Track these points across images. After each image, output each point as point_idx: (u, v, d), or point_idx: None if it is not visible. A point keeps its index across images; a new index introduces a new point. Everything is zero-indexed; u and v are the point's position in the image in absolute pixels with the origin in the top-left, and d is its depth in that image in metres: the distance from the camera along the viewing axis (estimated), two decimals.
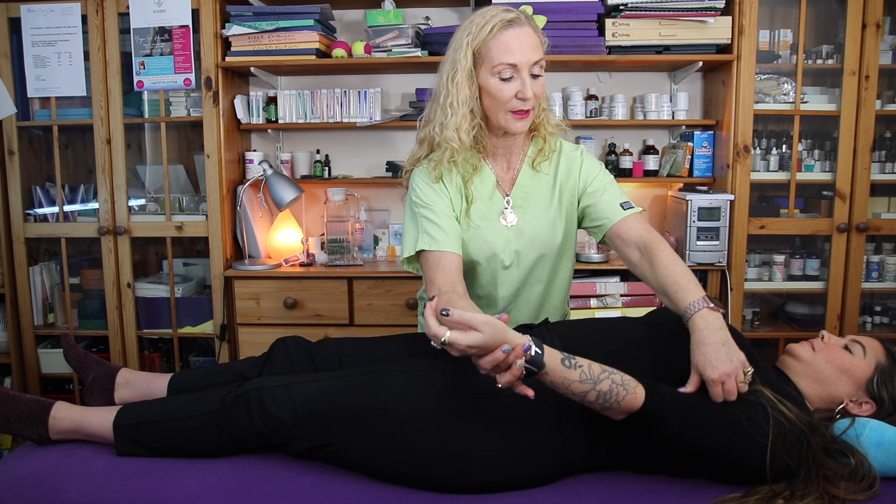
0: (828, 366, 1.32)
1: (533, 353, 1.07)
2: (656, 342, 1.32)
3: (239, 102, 2.66)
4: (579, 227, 1.57)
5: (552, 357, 1.10)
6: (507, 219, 1.49)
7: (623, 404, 1.12)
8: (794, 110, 2.45)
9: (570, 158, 1.52)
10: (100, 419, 1.33)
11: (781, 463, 1.12)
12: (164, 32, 2.53)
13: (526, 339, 1.07)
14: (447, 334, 1.02)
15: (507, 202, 1.49)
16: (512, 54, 1.33)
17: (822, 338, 1.37)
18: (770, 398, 1.16)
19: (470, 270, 1.52)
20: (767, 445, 1.11)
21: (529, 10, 1.62)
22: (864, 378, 1.31)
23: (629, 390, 1.12)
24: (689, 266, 2.39)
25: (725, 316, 1.28)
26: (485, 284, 1.54)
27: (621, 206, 1.48)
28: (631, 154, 2.68)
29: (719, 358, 1.17)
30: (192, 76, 2.54)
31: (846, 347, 1.34)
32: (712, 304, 1.26)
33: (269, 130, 2.78)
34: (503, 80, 1.35)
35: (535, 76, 1.36)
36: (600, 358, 1.31)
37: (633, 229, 1.46)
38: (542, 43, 1.38)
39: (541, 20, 1.50)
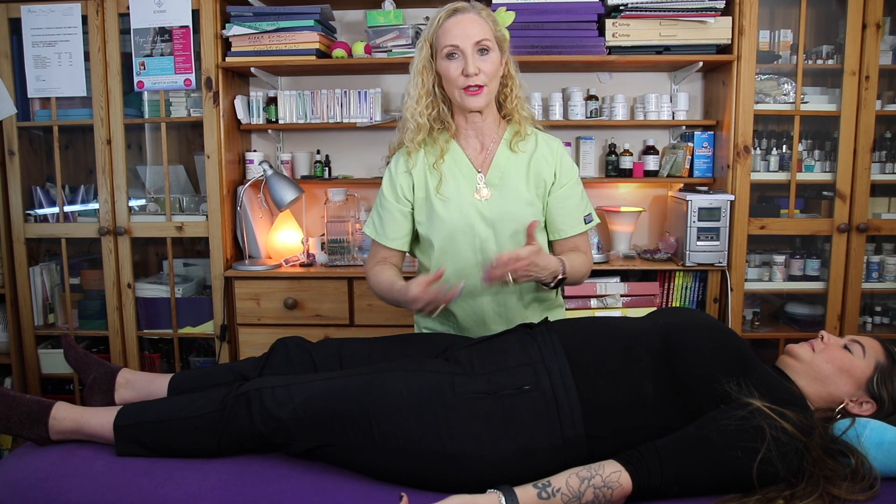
0: (828, 365, 1.32)
1: None
2: (657, 341, 1.32)
3: (239, 103, 2.66)
4: None
5: (527, 496, 1.10)
6: (481, 193, 1.58)
7: (616, 498, 1.11)
8: (794, 110, 2.45)
9: (549, 145, 1.62)
10: (100, 419, 1.33)
11: (782, 480, 1.13)
12: (164, 33, 2.53)
13: (495, 498, 1.09)
14: None
15: (480, 179, 1.58)
16: (454, 37, 1.48)
17: (822, 338, 1.38)
18: (768, 414, 1.15)
19: (450, 245, 1.58)
20: (769, 470, 1.11)
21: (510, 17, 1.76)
22: (863, 377, 1.31)
23: (613, 486, 1.11)
24: (689, 266, 2.41)
25: (562, 280, 1.52)
26: (467, 258, 1.58)
27: (584, 218, 1.63)
28: (631, 154, 2.68)
29: (536, 262, 1.41)
30: (192, 76, 2.54)
31: (846, 347, 1.35)
32: (562, 271, 1.50)
33: (270, 131, 2.78)
34: (449, 60, 1.49)
35: (482, 52, 1.49)
36: (601, 356, 1.31)
37: (577, 242, 1.63)
38: (490, 26, 1.51)
39: (508, 17, 1.67)
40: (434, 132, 1.59)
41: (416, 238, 1.67)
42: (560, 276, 1.51)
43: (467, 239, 1.57)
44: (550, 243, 1.66)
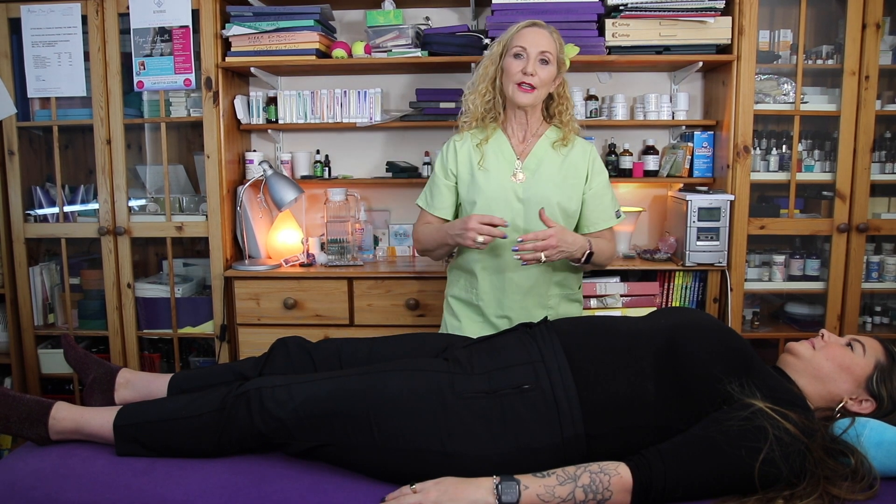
0: (828, 363, 1.33)
1: (505, 492, 1.11)
2: (658, 341, 1.32)
3: (239, 103, 2.67)
4: None
5: (524, 476, 1.13)
6: (517, 177, 1.80)
7: (613, 488, 1.12)
8: (794, 110, 2.45)
9: (583, 148, 1.85)
10: (100, 419, 1.33)
11: (784, 481, 1.13)
12: (164, 33, 2.53)
13: (490, 479, 1.13)
14: None
15: (518, 164, 1.81)
16: (525, 41, 1.72)
17: (822, 336, 1.38)
18: (771, 415, 1.15)
19: (487, 211, 1.76)
20: (772, 471, 1.12)
21: (574, 51, 2.18)
22: (863, 376, 1.31)
23: (611, 473, 1.12)
24: (688, 266, 2.42)
25: (590, 254, 1.73)
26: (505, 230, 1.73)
27: (616, 213, 1.87)
28: (631, 154, 2.68)
29: (564, 239, 1.64)
30: (192, 76, 2.54)
31: (846, 346, 1.35)
32: (590, 247, 1.73)
33: (269, 131, 2.78)
34: (515, 57, 1.73)
35: (543, 62, 1.72)
36: (601, 356, 1.32)
37: (603, 233, 1.86)
38: (556, 46, 1.76)
39: (572, 50, 2.01)
40: (486, 119, 1.83)
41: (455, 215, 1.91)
42: (588, 251, 1.72)
43: (501, 209, 1.77)
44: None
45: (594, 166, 1.84)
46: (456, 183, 1.86)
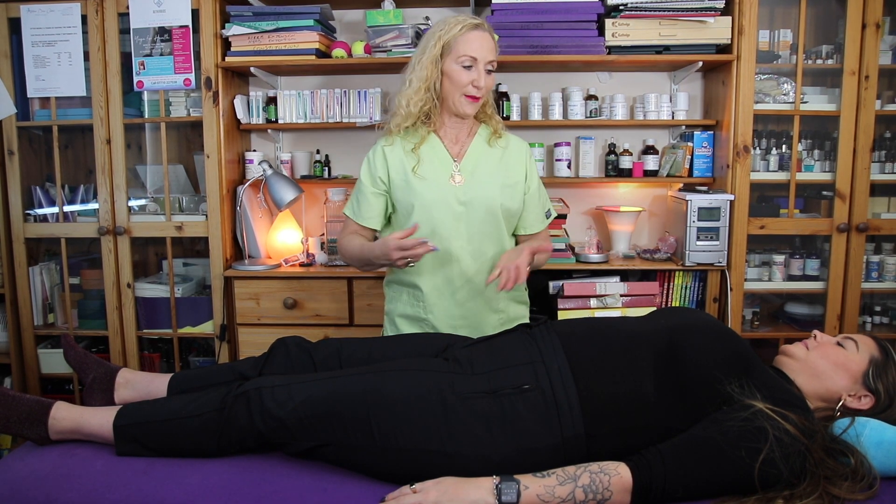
0: (823, 361, 1.34)
1: (504, 492, 1.11)
2: (658, 341, 1.32)
3: (239, 102, 2.66)
4: None
5: (524, 476, 1.13)
6: (455, 179, 1.73)
7: (613, 488, 1.12)
8: (793, 110, 2.45)
9: (519, 146, 1.81)
10: (100, 419, 1.33)
11: (784, 481, 1.13)
12: (163, 32, 2.53)
13: (490, 479, 1.13)
14: None
15: (455, 166, 1.74)
16: (475, 50, 1.64)
17: (815, 337, 1.40)
18: (771, 416, 1.15)
19: (427, 216, 1.70)
20: (772, 472, 1.12)
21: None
22: (859, 371, 1.33)
23: (611, 473, 1.12)
24: (688, 265, 2.41)
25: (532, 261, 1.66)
26: (444, 235, 1.70)
27: (546, 214, 1.85)
28: (631, 154, 2.68)
29: (513, 259, 1.57)
30: (191, 76, 2.54)
31: (838, 344, 1.37)
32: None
33: (269, 130, 2.78)
34: (464, 67, 1.65)
35: (489, 71, 1.68)
36: (600, 356, 1.32)
37: (538, 235, 1.84)
38: (496, 49, 1.71)
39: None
40: (418, 123, 1.74)
41: (387, 222, 1.84)
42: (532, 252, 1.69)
43: (442, 213, 1.71)
44: (515, 235, 1.85)
45: (530, 167, 1.80)
46: (386, 190, 1.76)
